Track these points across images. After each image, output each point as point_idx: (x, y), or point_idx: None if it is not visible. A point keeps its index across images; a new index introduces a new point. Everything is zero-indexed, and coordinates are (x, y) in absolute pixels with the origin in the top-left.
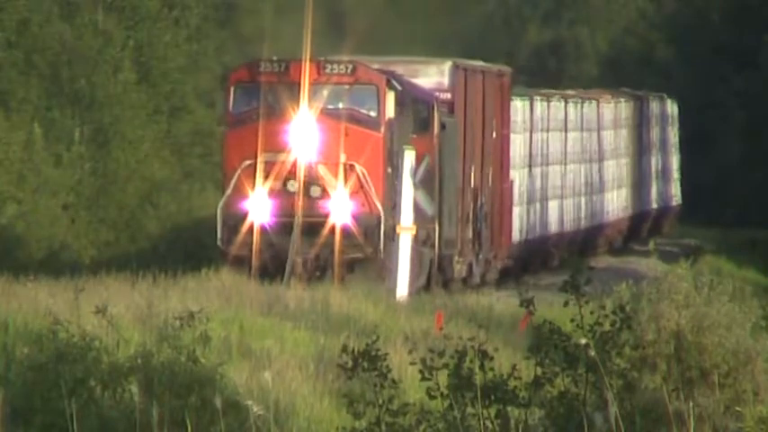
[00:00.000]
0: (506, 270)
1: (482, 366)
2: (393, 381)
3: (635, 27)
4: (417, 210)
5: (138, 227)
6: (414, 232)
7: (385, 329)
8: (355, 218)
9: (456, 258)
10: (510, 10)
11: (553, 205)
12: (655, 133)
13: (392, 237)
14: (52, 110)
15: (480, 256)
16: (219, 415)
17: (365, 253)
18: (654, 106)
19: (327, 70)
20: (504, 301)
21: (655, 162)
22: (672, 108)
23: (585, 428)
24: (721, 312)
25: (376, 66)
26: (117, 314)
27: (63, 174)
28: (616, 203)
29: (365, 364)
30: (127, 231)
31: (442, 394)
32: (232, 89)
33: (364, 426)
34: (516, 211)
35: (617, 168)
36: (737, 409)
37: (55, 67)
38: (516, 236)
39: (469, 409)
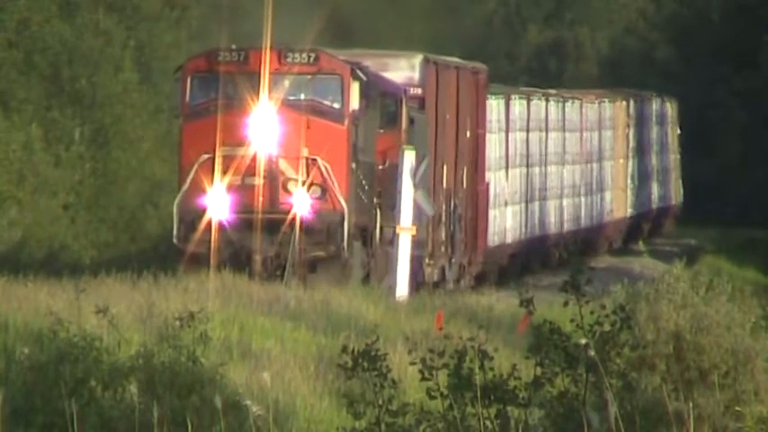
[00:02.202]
0: (483, 276)
1: (482, 366)
2: (393, 381)
3: (635, 27)
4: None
5: (138, 227)
6: (413, 233)
7: (385, 329)
8: (317, 214)
9: (426, 261)
10: (510, 10)
11: (533, 208)
12: (654, 133)
13: (357, 235)
14: (52, 110)
15: (453, 260)
16: (219, 415)
17: (328, 251)
18: (653, 106)
19: (289, 59)
20: (504, 301)
21: (655, 162)
22: (672, 108)
23: (585, 428)
24: (720, 312)
25: (343, 58)
26: (117, 314)
27: (63, 174)
28: (601, 207)
29: (365, 364)
30: (127, 231)
31: (441, 394)
32: (189, 79)
33: (364, 426)
34: (492, 214)
35: (600, 171)
36: (737, 409)
37: (55, 66)
38: (493, 240)
39: (469, 409)
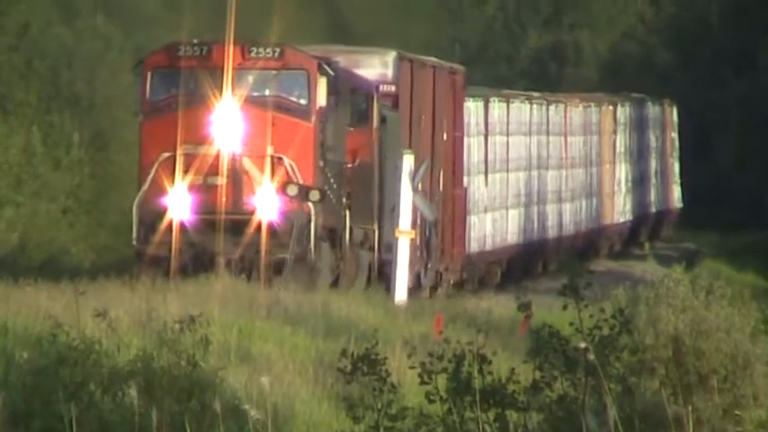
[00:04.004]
0: (461, 284)
1: (481, 370)
2: (392, 385)
3: (634, 31)
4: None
5: None
6: (413, 236)
7: (384, 333)
8: (283, 215)
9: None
10: (509, 14)
11: (513, 214)
12: (652, 137)
13: (325, 237)
14: (51, 113)
15: (429, 266)
16: (219, 419)
17: (293, 253)
18: (651, 110)
19: (253, 54)
20: (503, 305)
21: (653, 166)
22: (670, 112)
23: None
24: (720, 316)
25: (312, 53)
26: (117, 318)
27: (62, 177)
28: (586, 214)
29: (364, 368)
30: (126, 235)
31: (441, 398)
32: (149, 75)
33: (363, 430)
34: (471, 220)
35: (585, 177)
36: (736, 413)
37: (55, 70)
38: (472, 247)
39: (468, 413)
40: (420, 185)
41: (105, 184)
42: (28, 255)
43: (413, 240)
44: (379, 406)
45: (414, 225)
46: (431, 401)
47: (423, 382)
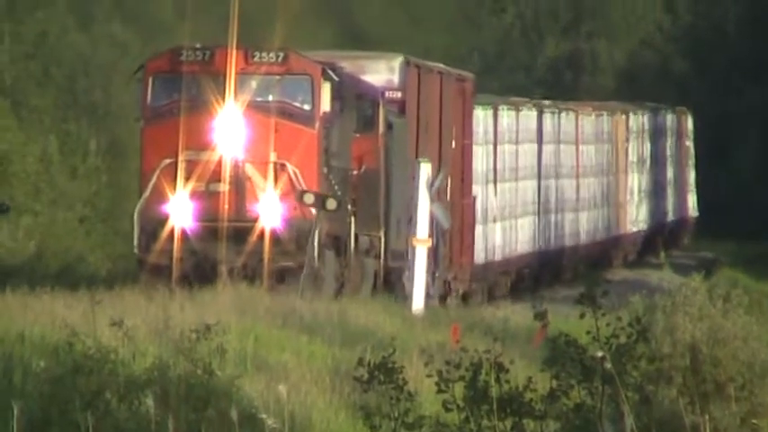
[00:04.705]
0: (471, 294)
1: (498, 379)
2: (409, 393)
3: (652, 40)
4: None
5: None
6: (429, 244)
7: (401, 342)
8: (286, 223)
9: (406, 273)
10: (528, 22)
11: (523, 224)
12: (668, 146)
13: (329, 245)
14: (68, 121)
15: (437, 275)
16: (235, 428)
17: (297, 261)
18: (668, 119)
19: (256, 59)
20: (519, 314)
21: (670, 174)
22: (687, 121)
23: None
24: (737, 325)
25: (316, 58)
26: (133, 326)
27: (79, 186)
28: (592, 224)
29: (381, 377)
30: None
31: (458, 407)
32: (150, 80)
33: None
34: (480, 229)
35: (597, 186)
36: (754, 422)
37: (71, 78)
38: (480, 256)
39: (485, 422)
40: (438, 193)
41: (121, 192)
42: (45, 263)
43: (429, 248)
44: (396, 414)
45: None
46: (448, 410)
47: (440, 391)
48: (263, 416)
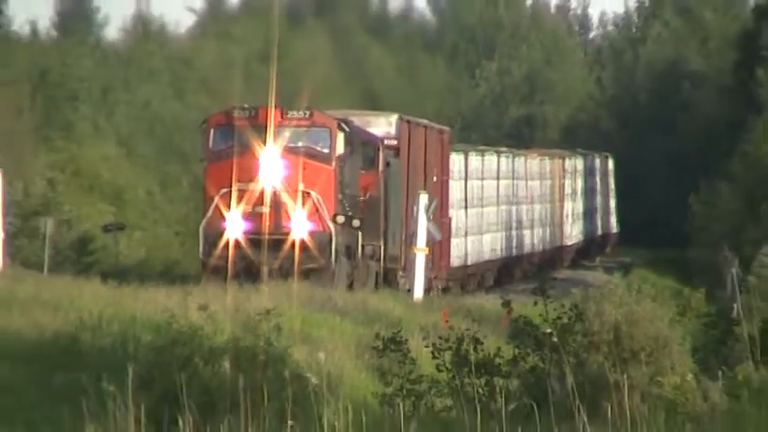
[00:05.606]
0: (448, 289)
1: (475, 348)
2: (412, 359)
3: (585, 106)
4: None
5: None
6: (426, 252)
7: (406, 322)
8: (311, 235)
9: (400, 273)
10: (496, 94)
11: (487, 238)
12: (598, 181)
13: (343, 252)
14: (167, 164)
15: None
16: (288, 384)
17: (319, 264)
18: (597, 162)
19: (289, 115)
20: (491, 302)
21: (599, 202)
22: (610, 163)
23: (550, 393)
24: (646, 309)
25: (335, 116)
26: (215, 311)
27: (174, 210)
28: (537, 238)
29: (392, 347)
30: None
31: (447, 368)
32: (211, 131)
33: (391, 391)
34: (455, 242)
35: (542, 210)
36: (658, 379)
37: (169, 133)
38: (455, 261)
39: (466, 380)
40: (432, 216)
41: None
42: (150, 265)
43: (427, 255)
44: (403, 374)
45: (410, 244)
46: (439, 371)
47: (434, 357)
48: (308, 375)
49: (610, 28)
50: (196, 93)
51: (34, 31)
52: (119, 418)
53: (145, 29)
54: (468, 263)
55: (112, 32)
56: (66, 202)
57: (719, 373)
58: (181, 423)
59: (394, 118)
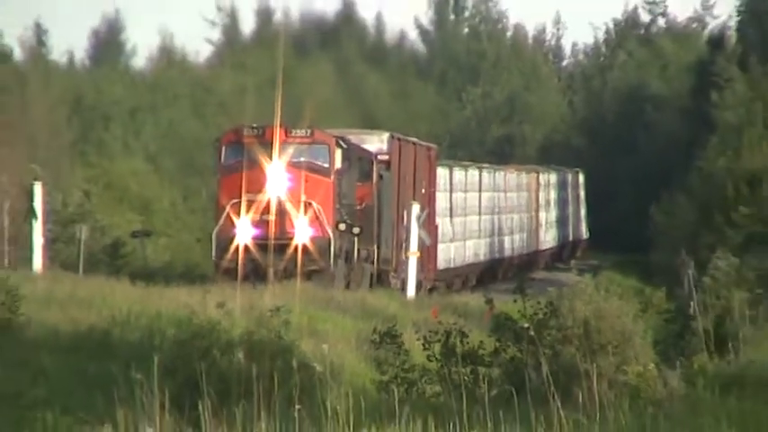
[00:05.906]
0: (435, 288)
1: (461, 341)
2: (405, 350)
3: (559, 126)
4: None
5: None
6: (418, 255)
7: (400, 318)
8: (312, 240)
9: (392, 274)
10: (480, 115)
11: (470, 243)
12: (569, 194)
13: (341, 255)
14: (188, 178)
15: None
16: (295, 373)
17: (320, 266)
18: (569, 176)
19: (293, 133)
20: (475, 300)
21: (570, 211)
22: (581, 177)
23: (527, 381)
24: (613, 306)
25: (333, 134)
26: (231, 308)
27: (195, 219)
28: (516, 243)
29: (387, 340)
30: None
31: (436, 359)
32: (223, 147)
33: (387, 379)
34: (441, 247)
35: (520, 219)
36: (624, 368)
37: (189, 151)
38: (442, 264)
39: (453, 369)
40: (423, 223)
41: None
42: (174, 267)
43: (419, 258)
44: (397, 364)
45: (401, 248)
46: (430, 361)
47: (425, 349)
48: (314, 364)
49: (580, 57)
50: (214, 115)
51: (71, 60)
52: (146, 404)
53: (169, 58)
54: (454, 265)
55: (140, 61)
56: (99, 212)
57: (678, 362)
58: (201, 407)
59: (385, 136)
